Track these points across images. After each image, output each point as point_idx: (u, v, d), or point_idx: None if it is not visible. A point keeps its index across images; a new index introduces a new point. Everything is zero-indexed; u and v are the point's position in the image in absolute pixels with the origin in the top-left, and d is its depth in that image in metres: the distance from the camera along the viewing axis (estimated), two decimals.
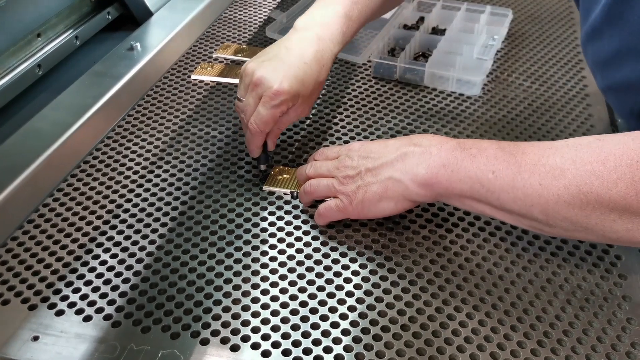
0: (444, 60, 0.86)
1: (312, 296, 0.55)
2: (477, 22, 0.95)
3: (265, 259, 0.59)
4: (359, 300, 0.54)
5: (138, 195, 0.66)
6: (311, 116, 0.79)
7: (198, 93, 0.84)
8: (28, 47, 0.83)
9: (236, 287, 0.56)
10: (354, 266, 0.58)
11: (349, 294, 0.55)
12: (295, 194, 0.66)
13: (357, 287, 0.56)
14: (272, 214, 0.64)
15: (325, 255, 0.59)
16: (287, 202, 0.66)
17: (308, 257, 0.59)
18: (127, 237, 0.61)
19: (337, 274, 0.57)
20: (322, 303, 0.54)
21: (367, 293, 0.55)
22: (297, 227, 0.62)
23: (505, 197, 0.52)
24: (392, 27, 0.94)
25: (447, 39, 0.90)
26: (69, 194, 0.66)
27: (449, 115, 0.80)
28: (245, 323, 0.52)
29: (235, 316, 0.53)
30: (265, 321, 0.53)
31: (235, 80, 0.86)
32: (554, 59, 0.91)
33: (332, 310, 0.54)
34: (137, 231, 0.62)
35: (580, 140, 0.51)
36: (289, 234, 0.62)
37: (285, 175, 0.69)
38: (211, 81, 0.86)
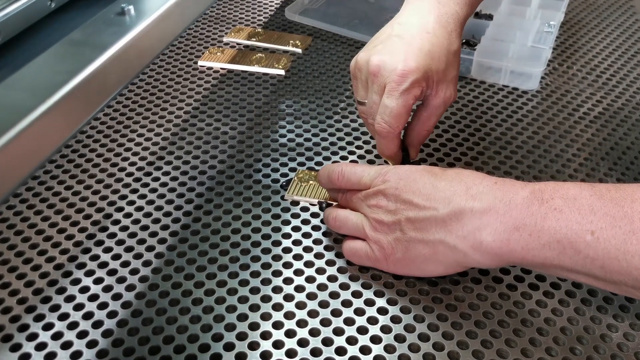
0: (494, 49, 0.73)
1: (338, 332, 0.43)
2: (528, 6, 0.83)
3: (289, 289, 0.46)
4: (398, 338, 0.42)
5: (131, 202, 0.54)
6: (339, 110, 0.67)
7: (206, 82, 0.71)
8: None
9: (254, 327, 0.43)
10: (404, 301, 0.46)
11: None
12: (324, 205, 0.54)
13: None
14: (296, 229, 0.52)
15: (367, 286, 0.47)
16: (314, 215, 0.53)
17: (344, 287, 0.47)
18: (116, 257, 0.49)
19: (370, 303, 0.45)
20: (351, 341, 0.42)
21: (409, 328, 0.43)
22: (329, 248, 0.50)
23: (615, 265, 0.38)
24: None
25: (496, 24, 0.78)
26: (40, 194, 0.54)
27: (504, 112, 0.67)
28: None
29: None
30: None
31: (249, 68, 0.74)
32: (619, 50, 0.79)
33: (365, 351, 0.41)
34: (129, 249, 0.49)
35: None
36: (319, 255, 0.49)
37: (311, 182, 0.56)
38: (221, 68, 0.74)
